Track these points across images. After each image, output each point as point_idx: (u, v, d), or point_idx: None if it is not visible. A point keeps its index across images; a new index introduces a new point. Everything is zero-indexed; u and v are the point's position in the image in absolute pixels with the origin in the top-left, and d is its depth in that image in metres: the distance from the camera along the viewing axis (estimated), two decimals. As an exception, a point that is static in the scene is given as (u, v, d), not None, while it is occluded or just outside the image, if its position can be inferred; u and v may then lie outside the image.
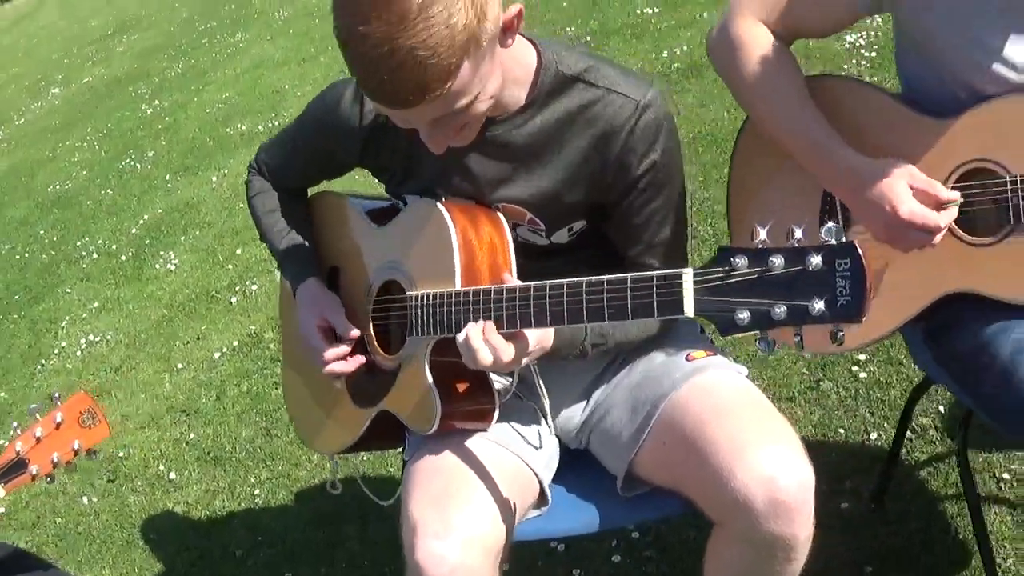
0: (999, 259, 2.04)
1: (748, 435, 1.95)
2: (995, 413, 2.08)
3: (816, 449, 3.25)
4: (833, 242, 1.48)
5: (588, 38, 7.47)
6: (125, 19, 15.81)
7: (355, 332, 2.28)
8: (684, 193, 2.21)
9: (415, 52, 1.68)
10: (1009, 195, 1.99)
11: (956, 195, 2.03)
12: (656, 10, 7.29)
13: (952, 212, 2.03)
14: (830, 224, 1.50)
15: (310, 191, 2.55)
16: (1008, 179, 1.99)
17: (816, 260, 1.48)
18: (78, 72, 13.36)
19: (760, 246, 1.55)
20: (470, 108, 1.84)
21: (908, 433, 3.12)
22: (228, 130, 8.42)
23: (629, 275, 1.72)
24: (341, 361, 2.28)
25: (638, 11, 7.48)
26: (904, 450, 3.09)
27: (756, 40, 2.16)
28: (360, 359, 2.29)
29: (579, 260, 2.24)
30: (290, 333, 2.54)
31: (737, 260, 1.55)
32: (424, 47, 1.68)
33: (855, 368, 3.54)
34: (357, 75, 1.76)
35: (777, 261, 1.51)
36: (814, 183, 2.21)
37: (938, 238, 2.03)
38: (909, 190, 2.02)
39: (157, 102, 10.21)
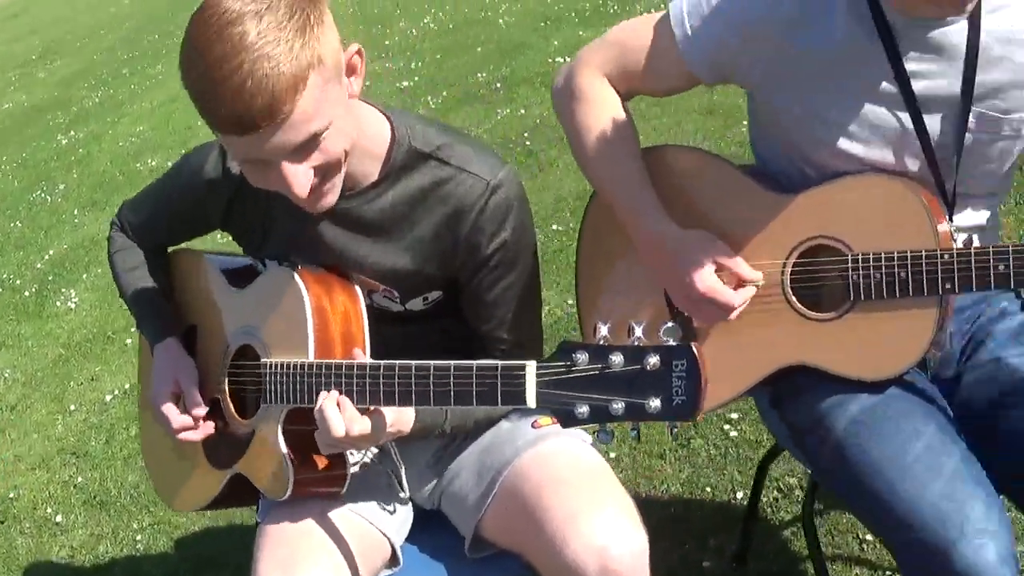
0: (838, 334, 2.07)
1: (582, 504, 1.98)
2: (832, 485, 2.12)
3: (683, 507, 3.31)
4: (672, 343, 1.53)
5: (498, 84, 7.53)
6: (50, 44, 15.69)
7: (202, 409, 2.28)
8: (537, 269, 2.23)
9: (259, 64, 1.68)
10: (849, 272, 2.02)
11: (758, 275, 2.09)
12: (568, 59, 7.34)
13: (750, 290, 2.08)
14: (669, 323, 1.55)
15: (171, 249, 2.54)
16: (849, 257, 2.02)
17: (654, 360, 1.53)
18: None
19: (602, 342, 1.59)
20: (325, 141, 1.83)
21: (775, 493, 3.17)
22: (138, 165, 8.38)
23: (475, 363, 1.74)
24: (190, 429, 2.28)
25: (550, 59, 7.55)
26: (770, 510, 3.14)
27: (596, 94, 2.20)
28: (210, 426, 2.29)
29: (436, 327, 2.27)
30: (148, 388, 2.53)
31: (578, 356, 1.59)
32: (267, 59, 1.68)
33: (727, 427, 3.59)
34: (205, 105, 1.73)
35: (616, 359, 1.55)
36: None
37: (734, 315, 2.08)
38: (712, 264, 2.07)
39: (73, 132, 10.15)
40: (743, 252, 2.12)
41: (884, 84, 1.99)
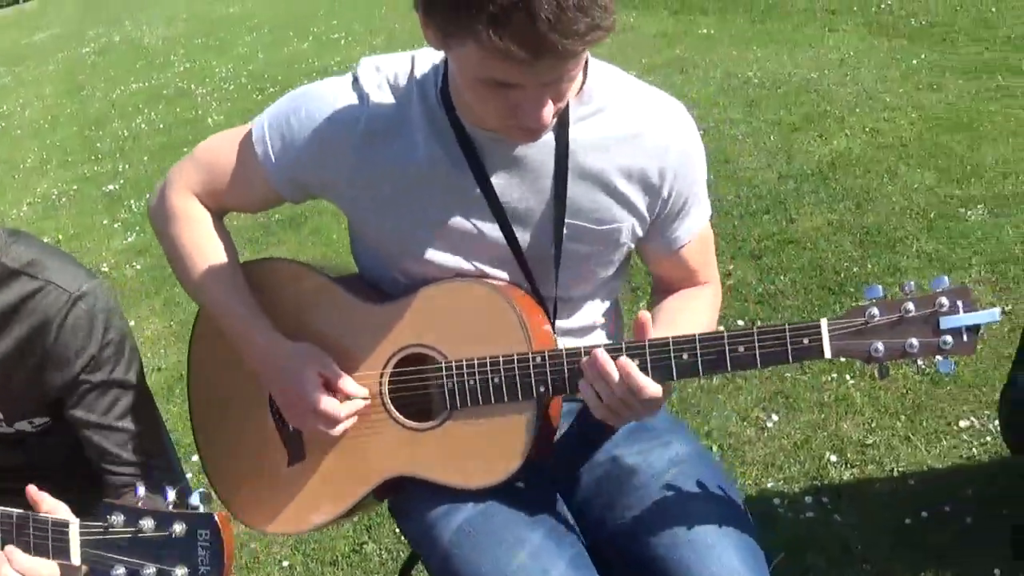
0: (439, 443, 2.06)
1: None
2: None
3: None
4: (202, 509, 1.54)
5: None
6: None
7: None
8: (143, 384, 2.19)
9: None
10: (444, 380, 2.02)
11: (363, 391, 2.08)
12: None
13: (355, 404, 2.06)
14: (201, 489, 1.57)
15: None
16: (444, 365, 2.02)
17: (179, 528, 1.55)
18: None
19: (140, 504, 1.59)
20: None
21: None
22: None
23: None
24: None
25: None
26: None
27: (189, 213, 2.17)
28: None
29: (58, 450, 2.19)
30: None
31: (114, 517, 1.59)
32: None
33: (399, 531, 3.57)
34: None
35: (147, 524, 1.56)
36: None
37: (339, 428, 2.06)
38: (317, 378, 2.05)
39: None
40: (345, 365, 2.09)
41: (471, 198, 2.00)
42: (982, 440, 3.68)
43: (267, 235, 6.63)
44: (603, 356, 1.86)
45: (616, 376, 1.85)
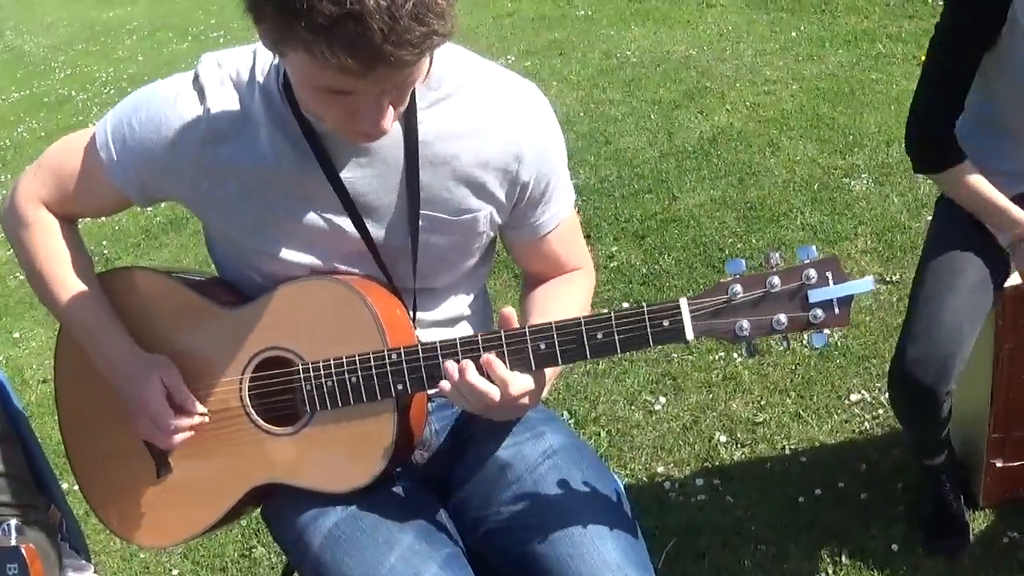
0: (301, 448, 1.97)
1: None
2: None
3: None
4: (13, 541, 1.54)
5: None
6: None
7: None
8: (14, 417, 2.17)
9: None
10: (302, 383, 1.92)
11: (200, 408, 2.00)
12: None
13: (190, 420, 1.98)
14: (14, 521, 1.56)
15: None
16: (300, 367, 1.92)
17: None
18: None
19: None
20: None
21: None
22: None
23: None
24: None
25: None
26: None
27: (37, 219, 2.08)
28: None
29: None
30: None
31: None
32: None
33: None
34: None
35: None
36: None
37: (174, 439, 1.99)
38: (160, 389, 1.98)
39: None
40: (203, 372, 2.01)
41: (321, 193, 1.90)
42: (874, 413, 3.65)
43: (149, 238, 6.46)
44: (465, 361, 1.80)
45: (480, 382, 1.79)
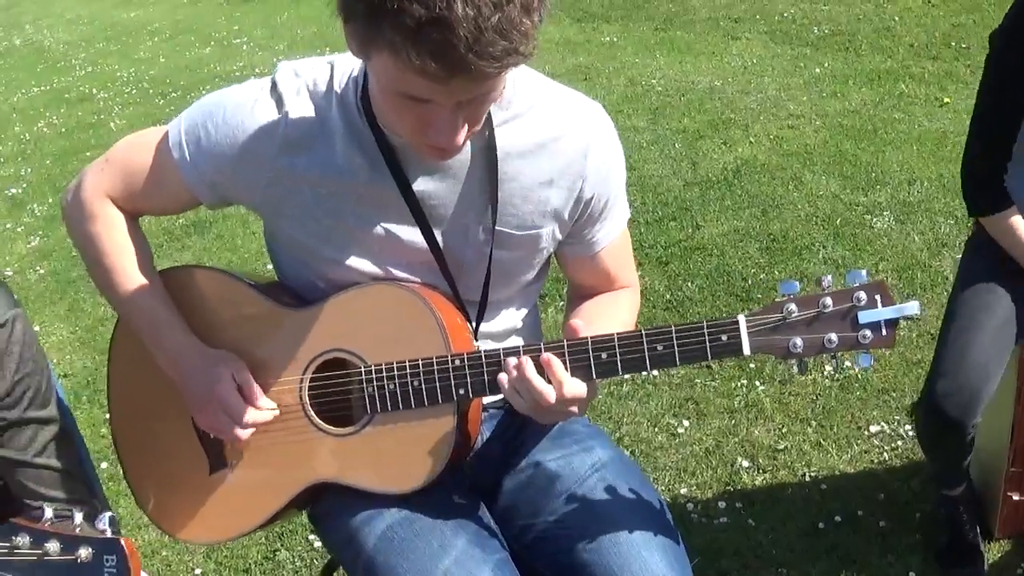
0: (360, 449, 2.03)
1: None
2: None
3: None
4: (109, 534, 1.54)
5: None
6: None
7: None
8: (62, 418, 2.15)
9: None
10: (364, 385, 1.99)
11: (271, 404, 2.06)
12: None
13: (263, 415, 2.04)
14: (110, 513, 1.57)
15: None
16: (363, 369, 1.99)
17: (85, 552, 1.55)
18: None
19: (47, 526, 1.57)
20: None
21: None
22: None
23: None
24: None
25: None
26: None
27: (102, 213, 2.12)
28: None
29: None
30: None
31: (19, 538, 1.58)
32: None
33: (312, 537, 3.53)
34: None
35: (53, 547, 1.56)
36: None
37: (244, 433, 2.04)
38: (231, 380, 2.03)
39: None
40: (264, 371, 2.07)
41: (392, 204, 1.97)
42: (893, 445, 3.71)
43: (171, 240, 6.52)
44: (524, 358, 1.87)
45: (539, 381, 1.85)
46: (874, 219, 5.47)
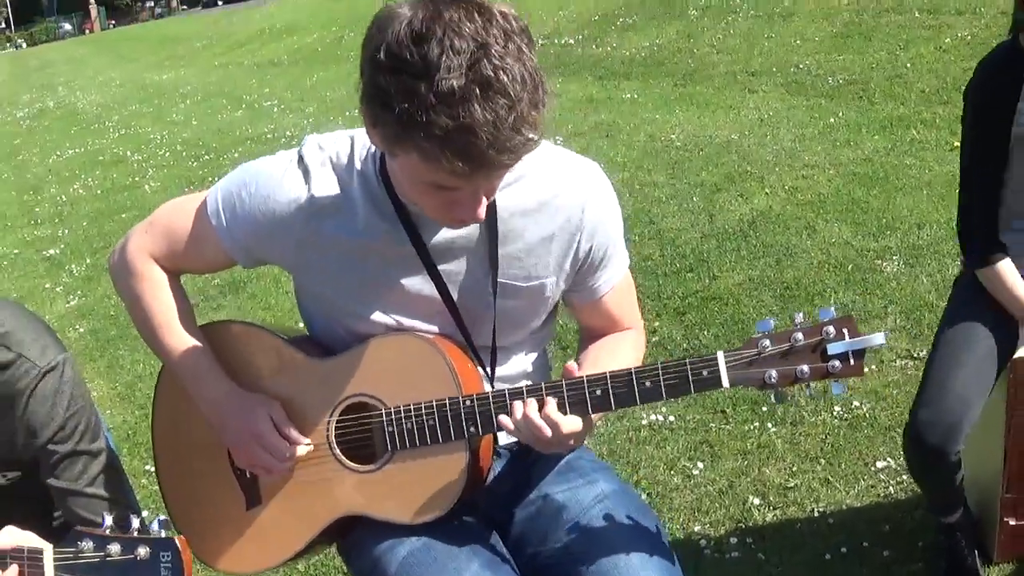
0: (382, 483, 2.23)
1: None
2: None
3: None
4: (164, 534, 1.75)
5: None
6: None
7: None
8: (107, 449, 2.37)
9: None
10: (385, 426, 2.19)
11: (304, 440, 2.26)
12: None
13: (298, 449, 2.25)
14: (161, 517, 1.76)
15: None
16: (384, 412, 2.19)
17: (143, 551, 1.76)
18: None
19: (108, 532, 1.80)
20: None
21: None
22: None
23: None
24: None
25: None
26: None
27: (147, 272, 2.34)
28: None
29: (20, 499, 2.34)
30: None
31: (84, 543, 1.80)
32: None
33: (346, 570, 3.70)
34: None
35: (114, 548, 1.76)
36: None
37: (283, 466, 2.26)
38: (268, 419, 2.25)
39: None
40: (296, 415, 2.28)
41: (410, 263, 2.18)
42: (898, 479, 3.86)
43: (206, 300, 6.75)
44: (524, 403, 2.10)
45: (538, 419, 2.07)
46: (884, 263, 5.65)
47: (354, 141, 2.20)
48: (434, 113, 1.72)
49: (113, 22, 76.26)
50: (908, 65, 9.57)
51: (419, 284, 2.21)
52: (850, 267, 5.68)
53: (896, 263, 5.63)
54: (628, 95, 11.03)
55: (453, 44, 1.72)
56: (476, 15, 1.76)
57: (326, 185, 2.16)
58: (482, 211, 1.96)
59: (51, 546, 1.80)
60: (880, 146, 7.62)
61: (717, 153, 8.17)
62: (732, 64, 11.33)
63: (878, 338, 1.98)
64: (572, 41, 14.70)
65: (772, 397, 2.05)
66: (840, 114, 8.65)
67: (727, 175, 7.56)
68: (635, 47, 13.24)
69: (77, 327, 6.92)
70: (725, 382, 2.02)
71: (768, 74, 10.57)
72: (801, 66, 10.50)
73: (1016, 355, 3.01)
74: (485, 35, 1.74)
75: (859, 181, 6.95)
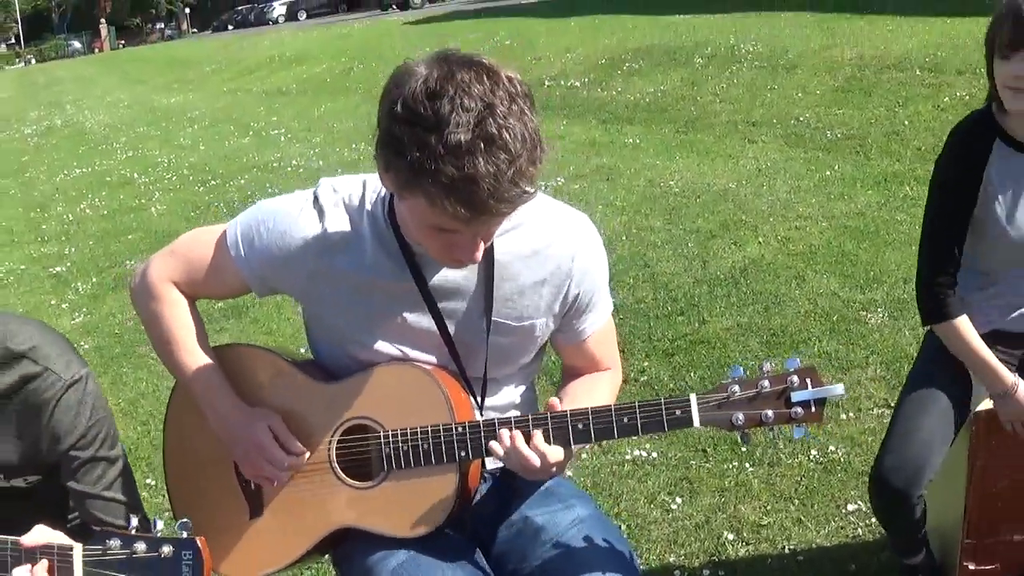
0: (377, 500, 2.42)
1: None
2: None
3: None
4: (185, 535, 1.92)
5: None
6: None
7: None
8: (123, 457, 2.55)
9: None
10: (382, 447, 2.39)
11: (302, 449, 2.45)
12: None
13: (296, 460, 2.44)
14: (185, 520, 1.95)
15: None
16: (382, 434, 2.39)
17: (167, 549, 1.93)
18: None
19: (134, 532, 1.96)
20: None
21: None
22: None
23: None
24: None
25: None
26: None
27: (166, 295, 2.54)
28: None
29: (37, 502, 2.50)
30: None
31: (112, 541, 1.95)
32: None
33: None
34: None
35: (140, 547, 1.93)
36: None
37: (283, 475, 2.46)
38: (268, 431, 2.44)
39: None
40: (300, 434, 2.47)
41: (412, 299, 2.39)
42: (867, 522, 4.03)
43: (210, 322, 6.88)
44: (515, 431, 2.30)
45: (526, 449, 2.27)
46: (869, 315, 5.83)
47: (365, 185, 2.41)
48: (442, 163, 1.94)
49: (123, 42, 76.47)
50: (906, 122, 9.75)
51: (420, 319, 2.41)
52: (836, 317, 5.87)
53: (880, 315, 5.81)
54: (630, 140, 11.20)
55: (463, 102, 1.94)
56: (485, 78, 1.98)
57: (339, 223, 2.37)
58: (479, 254, 2.17)
59: (80, 544, 1.96)
60: (873, 200, 7.80)
61: (714, 201, 8.34)
62: (734, 113, 11.50)
63: (838, 389, 2.18)
64: (578, 84, 14.91)
65: (739, 437, 2.24)
66: (836, 167, 8.83)
67: (722, 223, 7.75)
68: (639, 92, 13.44)
69: (82, 344, 7.07)
70: (696, 422, 2.22)
71: (768, 125, 10.74)
72: (801, 118, 10.67)
73: (978, 408, 3.19)
74: (492, 96, 1.96)
75: (850, 234, 7.14)
